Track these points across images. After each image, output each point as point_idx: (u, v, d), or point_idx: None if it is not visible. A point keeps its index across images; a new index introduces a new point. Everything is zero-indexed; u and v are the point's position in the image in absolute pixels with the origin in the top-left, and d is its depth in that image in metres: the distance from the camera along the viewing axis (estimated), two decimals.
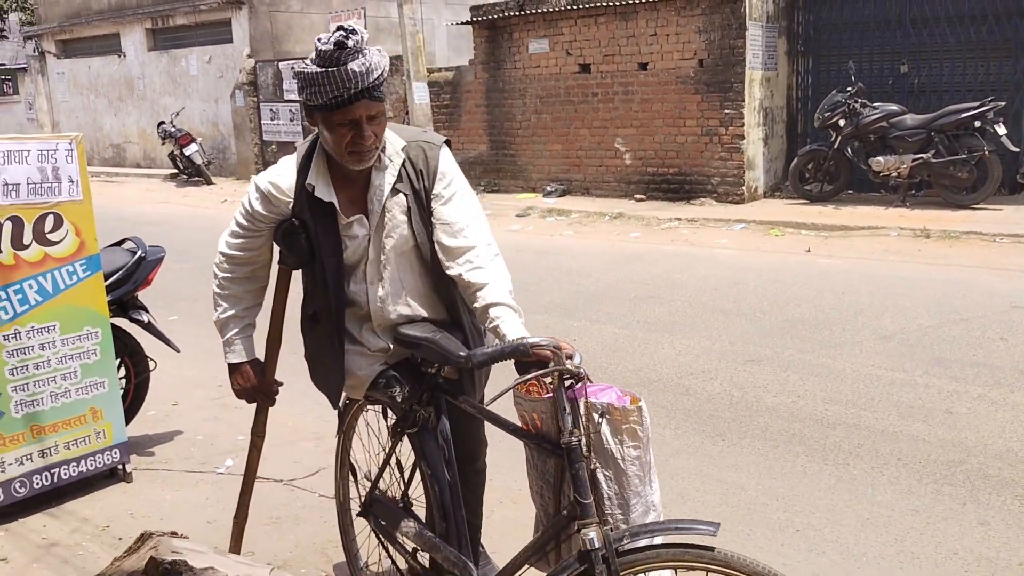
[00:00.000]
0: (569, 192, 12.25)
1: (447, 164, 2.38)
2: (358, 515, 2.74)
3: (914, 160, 9.38)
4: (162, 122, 17.06)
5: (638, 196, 11.47)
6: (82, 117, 21.09)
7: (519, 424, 2.13)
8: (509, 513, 3.41)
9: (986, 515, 3.34)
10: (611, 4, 11.22)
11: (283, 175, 2.38)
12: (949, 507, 3.41)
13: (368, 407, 2.68)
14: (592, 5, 11.42)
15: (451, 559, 2.27)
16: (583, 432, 1.91)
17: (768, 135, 11.09)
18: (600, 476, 1.96)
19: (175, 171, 17.14)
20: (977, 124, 9.08)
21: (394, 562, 2.68)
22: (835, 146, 9.97)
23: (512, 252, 7.93)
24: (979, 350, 5.11)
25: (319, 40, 2.14)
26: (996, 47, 9.85)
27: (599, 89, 11.77)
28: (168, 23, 18.74)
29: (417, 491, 2.49)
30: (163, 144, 17.24)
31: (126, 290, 4.12)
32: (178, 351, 4.43)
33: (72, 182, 3.60)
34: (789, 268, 7.54)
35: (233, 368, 2.58)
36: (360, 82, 2.12)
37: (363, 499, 2.69)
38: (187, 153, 16.13)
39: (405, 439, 2.44)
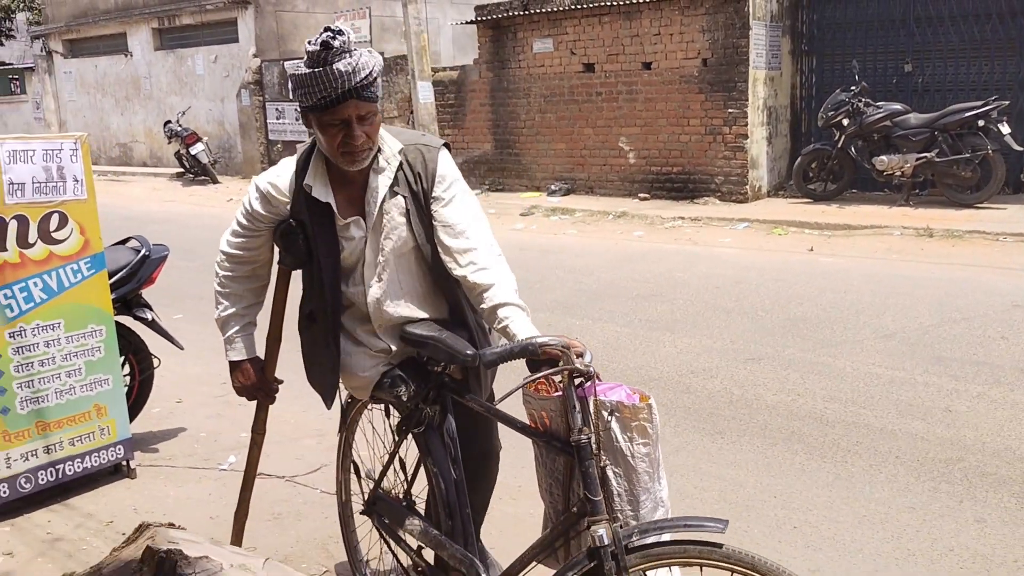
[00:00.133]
0: (573, 191, 12.28)
1: (446, 166, 2.38)
2: (362, 513, 2.75)
3: (918, 159, 9.37)
4: (168, 121, 17.18)
5: (642, 195, 11.48)
6: (89, 116, 21.18)
7: (527, 422, 2.14)
8: (508, 509, 3.43)
9: (982, 512, 3.35)
10: (615, 4, 11.23)
11: (282, 175, 2.40)
12: (946, 504, 3.43)
13: (371, 405, 2.69)
14: (596, 5, 11.43)
15: (458, 556, 2.29)
16: (593, 430, 1.93)
17: (772, 134, 11.09)
18: (610, 473, 1.98)
19: (181, 170, 17.23)
20: (981, 123, 9.08)
21: (398, 559, 2.70)
22: (839, 145, 9.97)
23: (516, 250, 7.96)
24: (980, 349, 5.12)
25: (308, 42, 2.17)
26: (1000, 46, 9.84)
27: (603, 88, 11.79)
28: (174, 23, 18.82)
29: (420, 489, 2.51)
30: (169, 143, 17.35)
31: (130, 288, 4.16)
32: (182, 348, 4.47)
33: (77, 181, 3.64)
34: (791, 267, 7.55)
35: (234, 366, 2.60)
36: (347, 81, 2.13)
37: (367, 497, 2.70)
38: (193, 152, 16.23)
39: (409, 437, 2.45)
